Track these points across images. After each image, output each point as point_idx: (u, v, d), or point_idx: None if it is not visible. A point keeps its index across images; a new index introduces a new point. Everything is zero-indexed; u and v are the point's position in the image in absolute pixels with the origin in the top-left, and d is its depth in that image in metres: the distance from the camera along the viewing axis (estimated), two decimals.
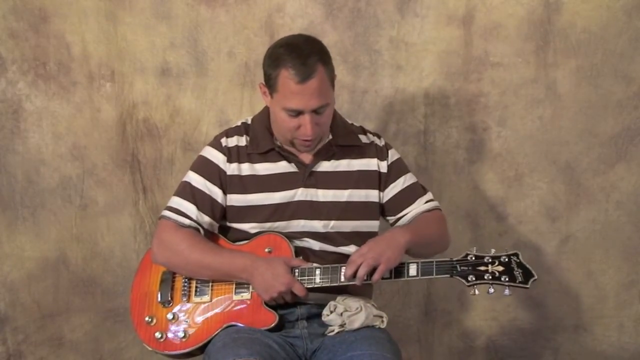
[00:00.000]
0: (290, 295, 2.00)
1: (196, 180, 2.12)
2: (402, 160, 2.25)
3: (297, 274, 2.01)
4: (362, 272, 1.95)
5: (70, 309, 2.73)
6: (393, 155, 2.23)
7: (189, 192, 2.11)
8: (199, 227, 2.10)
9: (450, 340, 2.79)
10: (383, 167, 2.18)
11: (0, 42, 2.62)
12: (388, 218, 2.21)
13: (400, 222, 2.19)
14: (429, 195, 2.23)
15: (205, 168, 2.13)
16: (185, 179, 2.15)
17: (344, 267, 1.99)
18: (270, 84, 2.03)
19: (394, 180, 2.19)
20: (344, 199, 2.13)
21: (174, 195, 2.15)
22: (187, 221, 2.09)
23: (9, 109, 2.66)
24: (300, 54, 1.97)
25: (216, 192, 2.11)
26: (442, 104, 2.70)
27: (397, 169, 2.21)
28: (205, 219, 2.11)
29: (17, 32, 2.62)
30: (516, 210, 2.73)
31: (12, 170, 2.68)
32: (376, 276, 1.96)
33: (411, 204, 2.18)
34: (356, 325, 2.02)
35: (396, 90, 2.70)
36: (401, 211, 2.18)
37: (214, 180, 2.11)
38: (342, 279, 1.99)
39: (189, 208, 2.09)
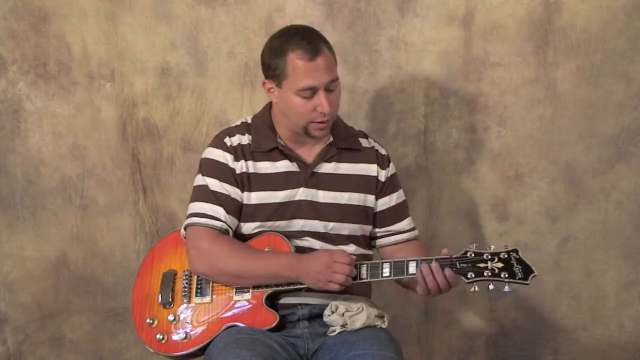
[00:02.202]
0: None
1: (212, 183, 2.09)
2: (397, 177, 2.27)
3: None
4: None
5: (70, 309, 2.73)
6: (393, 168, 2.25)
7: (210, 195, 2.08)
8: (229, 228, 2.08)
9: (450, 340, 2.79)
10: (382, 175, 2.20)
11: (0, 42, 2.62)
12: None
13: (379, 241, 2.23)
14: (409, 222, 2.26)
15: (217, 170, 2.10)
16: (200, 183, 2.11)
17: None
18: (277, 73, 2.04)
19: (389, 194, 2.21)
20: (343, 202, 2.13)
21: (194, 201, 2.11)
22: (218, 223, 2.06)
23: (9, 109, 2.66)
24: (304, 37, 2.03)
25: (235, 192, 2.09)
26: (442, 104, 2.70)
27: (393, 184, 2.23)
28: (234, 220, 2.09)
29: (17, 32, 2.62)
30: (516, 210, 2.73)
31: (12, 170, 2.68)
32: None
33: (395, 223, 2.21)
34: (358, 325, 2.02)
35: (396, 90, 2.70)
36: (385, 227, 2.21)
37: (229, 180, 2.09)
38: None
39: (217, 210, 2.07)
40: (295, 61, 2.00)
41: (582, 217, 2.72)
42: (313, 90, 2.01)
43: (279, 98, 2.08)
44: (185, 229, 2.11)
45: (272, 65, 2.05)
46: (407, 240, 2.23)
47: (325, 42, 2.06)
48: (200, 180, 2.12)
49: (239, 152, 2.11)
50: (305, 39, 2.02)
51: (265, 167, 2.11)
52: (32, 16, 2.61)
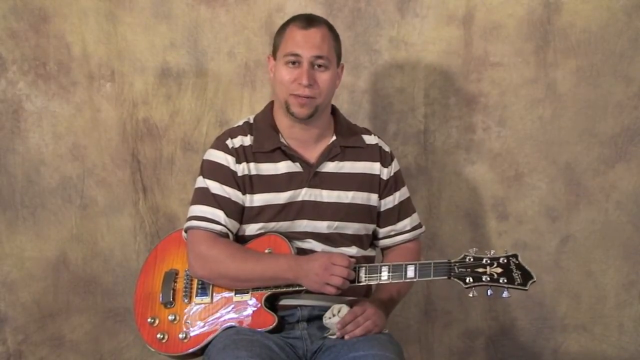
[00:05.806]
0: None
1: (213, 186, 2.09)
2: (401, 173, 2.27)
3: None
4: (357, 333, 2.00)
5: (70, 309, 2.73)
6: (396, 165, 2.24)
7: (210, 198, 2.08)
8: (229, 232, 2.07)
9: (450, 340, 2.79)
10: (384, 174, 2.19)
11: (0, 42, 2.62)
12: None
13: (381, 242, 2.23)
14: (415, 218, 2.26)
15: (218, 172, 2.10)
16: (201, 185, 2.11)
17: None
18: (275, 46, 2.13)
19: (392, 193, 2.21)
20: (347, 201, 2.13)
21: (194, 204, 2.10)
22: (217, 227, 2.06)
23: (9, 109, 2.66)
24: (309, 15, 2.16)
25: (237, 195, 2.09)
26: (442, 104, 2.70)
27: (397, 182, 2.23)
28: (234, 224, 2.09)
29: (17, 32, 2.62)
30: (516, 210, 2.73)
31: (12, 170, 2.68)
32: (357, 332, 2.00)
33: (398, 222, 2.22)
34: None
35: (396, 90, 2.70)
36: (387, 225, 2.22)
37: (230, 183, 2.09)
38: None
39: (217, 214, 2.07)
40: (291, 30, 2.09)
41: (582, 217, 2.72)
42: (298, 60, 2.05)
43: (273, 71, 2.12)
44: (185, 232, 2.11)
45: (275, 41, 2.13)
46: (408, 241, 2.24)
47: (330, 29, 2.11)
48: (201, 182, 2.12)
49: (240, 154, 2.11)
50: (308, 15, 2.14)
51: (268, 168, 2.11)
52: (32, 16, 2.61)
